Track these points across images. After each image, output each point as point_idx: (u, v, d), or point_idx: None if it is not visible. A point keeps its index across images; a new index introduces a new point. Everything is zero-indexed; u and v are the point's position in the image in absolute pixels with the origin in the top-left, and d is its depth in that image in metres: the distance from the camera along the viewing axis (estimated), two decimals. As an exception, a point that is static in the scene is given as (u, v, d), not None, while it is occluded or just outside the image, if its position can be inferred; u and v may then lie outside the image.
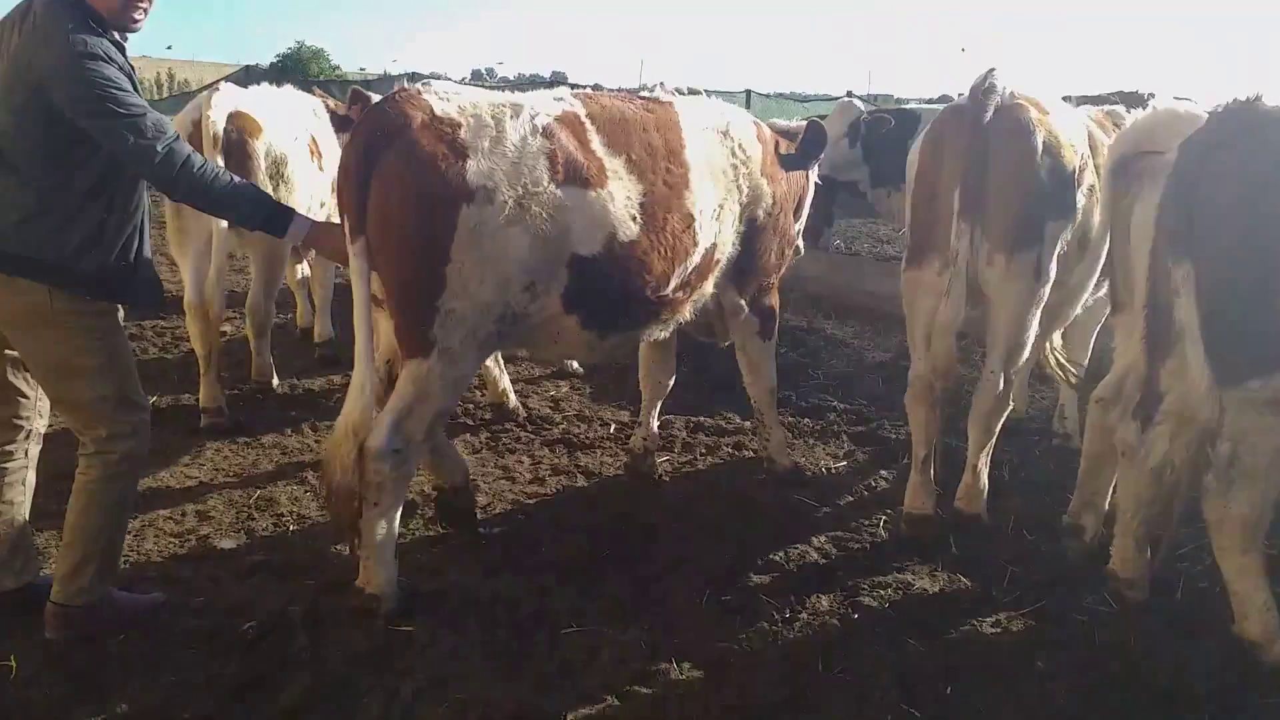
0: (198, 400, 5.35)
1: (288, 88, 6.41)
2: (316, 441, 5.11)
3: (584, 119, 3.54)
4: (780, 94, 30.98)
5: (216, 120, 5.05)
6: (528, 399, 5.87)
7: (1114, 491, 4.02)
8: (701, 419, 5.60)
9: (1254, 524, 3.29)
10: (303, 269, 7.00)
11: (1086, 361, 5.09)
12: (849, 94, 18.07)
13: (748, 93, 23.72)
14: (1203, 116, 3.64)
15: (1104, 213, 3.84)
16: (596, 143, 3.52)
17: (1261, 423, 3.21)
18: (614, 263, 3.52)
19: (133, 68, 3.10)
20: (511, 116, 3.34)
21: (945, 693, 3.17)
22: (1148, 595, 3.71)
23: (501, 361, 5.59)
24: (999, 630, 3.54)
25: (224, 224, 4.99)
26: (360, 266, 3.23)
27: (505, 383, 5.58)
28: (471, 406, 5.71)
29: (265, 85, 6.13)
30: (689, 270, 3.86)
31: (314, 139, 5.96)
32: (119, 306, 3.29)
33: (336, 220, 3.39)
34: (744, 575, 3.84)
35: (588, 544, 4.04)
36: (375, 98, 6.66)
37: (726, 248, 4.09)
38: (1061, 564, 4.02)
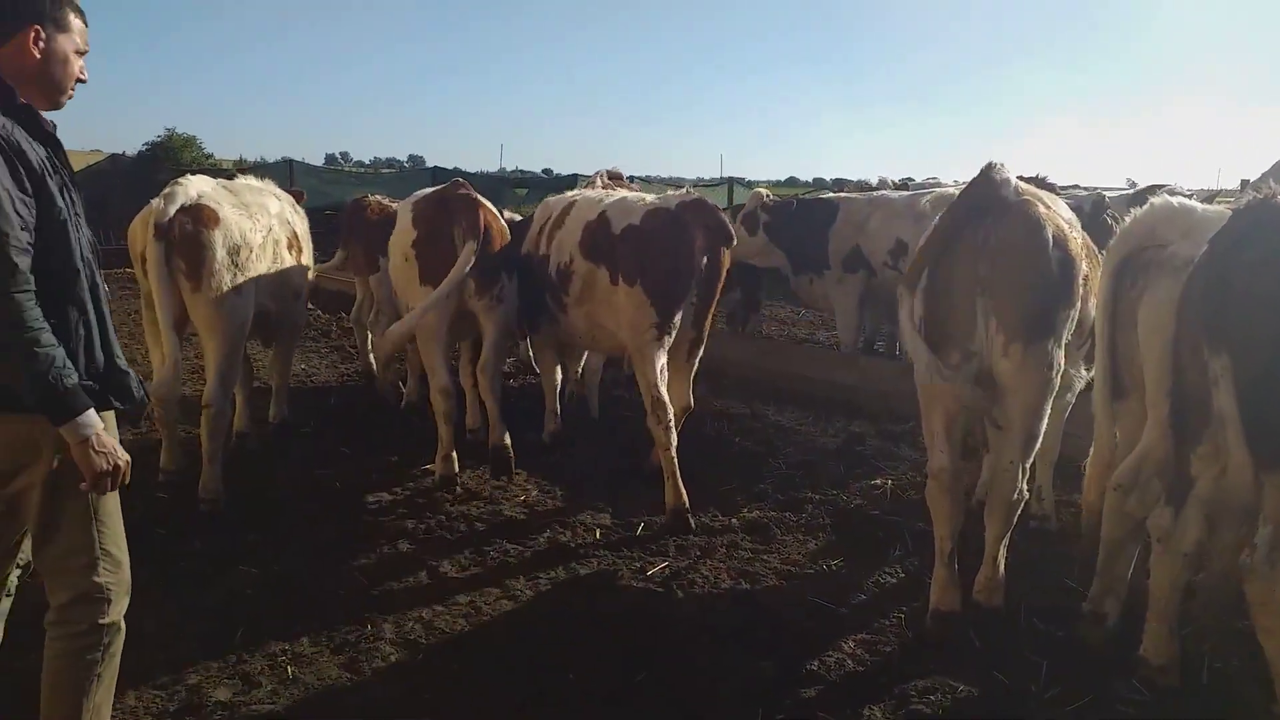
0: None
1: (267, 182, 6.55)
2: (286, 568, 4.68)
3: None
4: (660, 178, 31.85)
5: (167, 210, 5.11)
6: (499, 506, 5.58)
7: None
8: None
9: (1297, 604, 3.34)
10: None
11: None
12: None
13: (630, 178, 24.26)
14: (1199, 209, 3.84)
15: (1105, 306, 3.94)
16: None
17: (1302, 505, 3.28)
18: None
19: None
20: None
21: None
22: (1178, 680, 3.73)
23: None
24: (1057, 730, 3.47)
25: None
26: None
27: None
28: (444, 519, 5.38)
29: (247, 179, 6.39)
30: None
31: (295, 232, 6.16)
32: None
33: None
34: (790, 690, 3.68)
35: (617, 667, 3.81)
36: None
37: None
38: (1083, 652, 4.01)
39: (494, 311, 5.98)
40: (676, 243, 5.29)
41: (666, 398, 5.41)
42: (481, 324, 6.05)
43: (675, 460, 5.39)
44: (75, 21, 2.77)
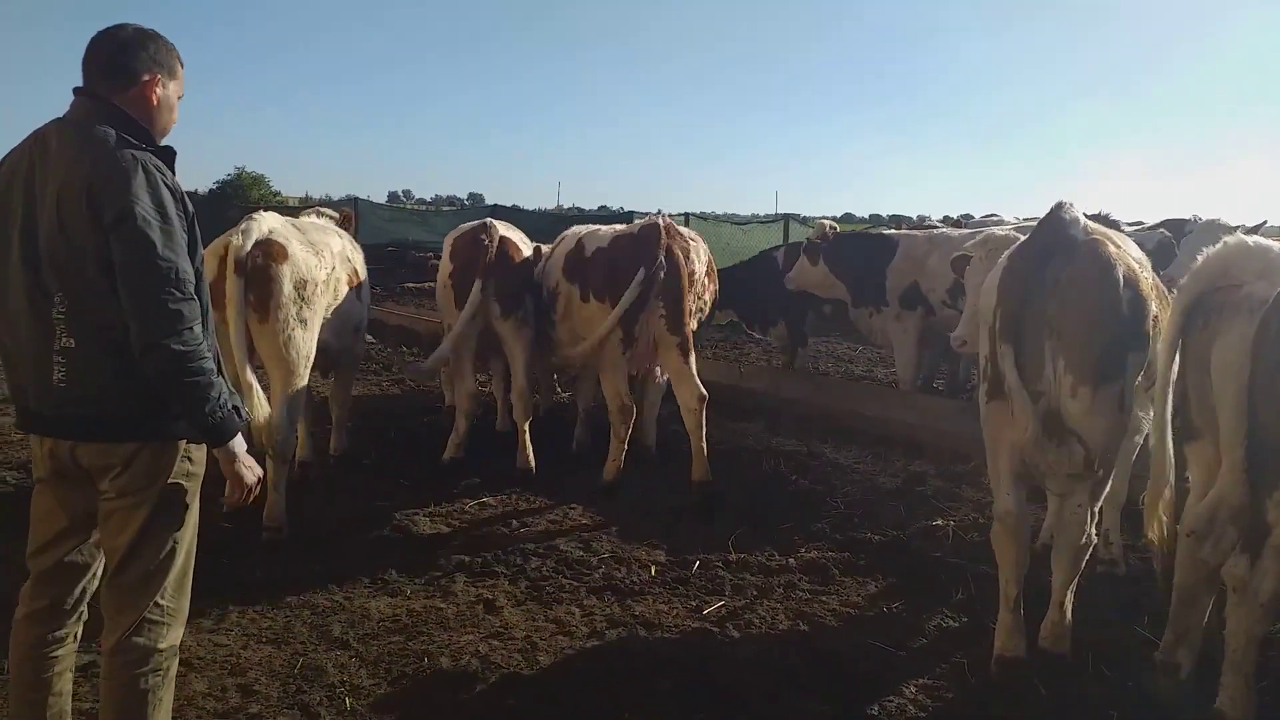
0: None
1: (327, 220, 6.94)
2: (345, 598, 4.73)
3: None
4: (715, 215, 31.90)
5: (244, 246, 5.27)
6: (555, 540, 5.59)
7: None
8: (743, 556, 5.38)
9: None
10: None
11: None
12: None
13: (686, 215, 24.37)
14: (1275, 248, 3.74)
15: (1169, 345, 3.83)
16: None
17: (1386, 554, 3.16)
18: None
19: None
20: None
21: None
22: (1257, 736, 3.58)
23: None
24: (1126, 785, 3.35)
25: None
26: None
27: None
28: (500, 552, 5.40)
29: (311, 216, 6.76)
30: None
31: (355, 269, 6.43)
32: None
33: None
34: (849, 735, 3.60)
35: (672, 708, 3.77)
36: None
37: None
38: (1155, 703, 3.87)
39: (521, 332, 6.86)
40: (637, 261, 6.16)
41: (631, 405, 6.52)
42: (509, 346, 6.91)
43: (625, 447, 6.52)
44: (180, 70, 2.91)
